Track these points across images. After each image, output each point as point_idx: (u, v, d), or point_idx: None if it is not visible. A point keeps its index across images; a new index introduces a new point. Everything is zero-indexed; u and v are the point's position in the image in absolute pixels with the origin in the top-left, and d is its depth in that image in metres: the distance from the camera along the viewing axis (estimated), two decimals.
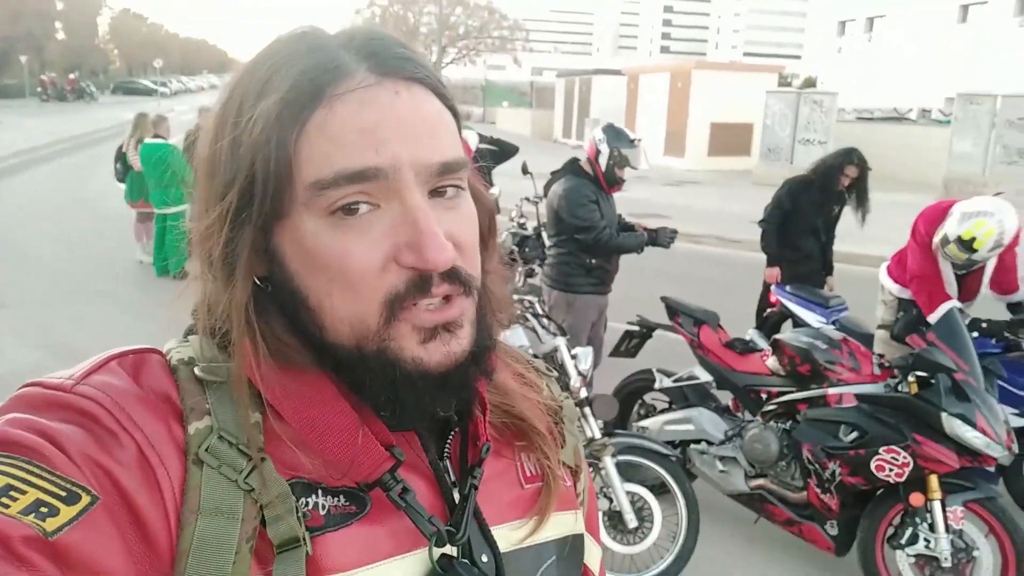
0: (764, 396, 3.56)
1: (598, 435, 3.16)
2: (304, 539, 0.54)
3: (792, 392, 3.40)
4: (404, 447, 0.61)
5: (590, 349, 3.43)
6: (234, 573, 0.52)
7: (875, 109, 27.51)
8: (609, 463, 3.12)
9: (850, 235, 5.62)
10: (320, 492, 0.58)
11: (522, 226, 6.57)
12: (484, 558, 0.63)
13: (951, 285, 3.91)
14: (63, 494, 0.48)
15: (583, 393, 3.20)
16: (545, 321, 3.40)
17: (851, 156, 4.91)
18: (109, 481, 0.50)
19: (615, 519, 3.17)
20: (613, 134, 4.23)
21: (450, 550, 0.61)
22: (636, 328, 4.22)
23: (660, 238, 4.30)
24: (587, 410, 3.19)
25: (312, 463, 0.58)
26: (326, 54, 0.56)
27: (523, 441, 0.71)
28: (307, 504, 0.57)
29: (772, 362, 3.55)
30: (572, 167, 4.34)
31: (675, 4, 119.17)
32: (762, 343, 3.85)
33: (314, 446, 0.58)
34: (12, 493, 0.47)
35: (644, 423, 3.90)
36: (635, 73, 23.12)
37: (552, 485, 0.70)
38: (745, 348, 3.72)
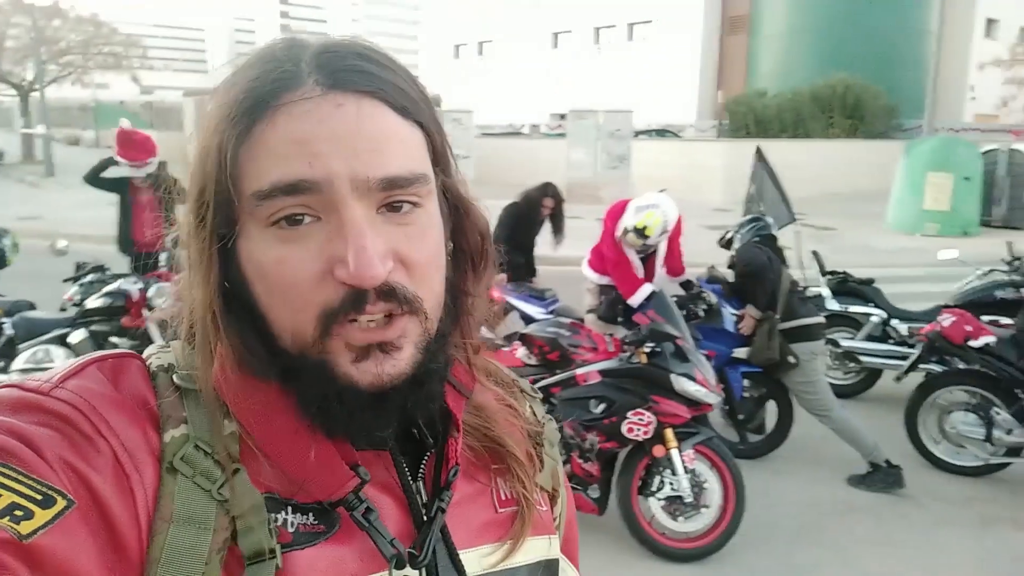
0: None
1: None
2: (276, 552, 0.55)
3: (546, 377, 3.79)
4: (375, 466, 0.61)
5: None
6: None
7: (494, 125, 30.52)
8: None
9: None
10: (290, 509, 0.58)
11: None
12: None
13: (639, 269, 4.71)
14: (38, 497, 0.48)
15: None
16: None
17: (546, 190, 5.84)
18: (84, 486, 0.50)
19: None
20: None
21: (413, 573, 0.60)
22: None
23: None
24: None
25: (282, 478, 0.58)
26: (279, 64, 0.56)
27: (500, 464, 0.70)
28: (276, 520, 0.57)
29: (522, 353, 3.91)
30: None
31: (291, 23, 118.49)
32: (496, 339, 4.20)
33: (272, 457, 0.58)
34: None
35: None
36: None
37: (526, 512, 0.69)
38: (493, 345, 4.02)
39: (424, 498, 0.63)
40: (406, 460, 0.63)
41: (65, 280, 5.29)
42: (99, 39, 28.33)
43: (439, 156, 0.61)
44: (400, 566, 0.59)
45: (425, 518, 0.62)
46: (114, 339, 4.94)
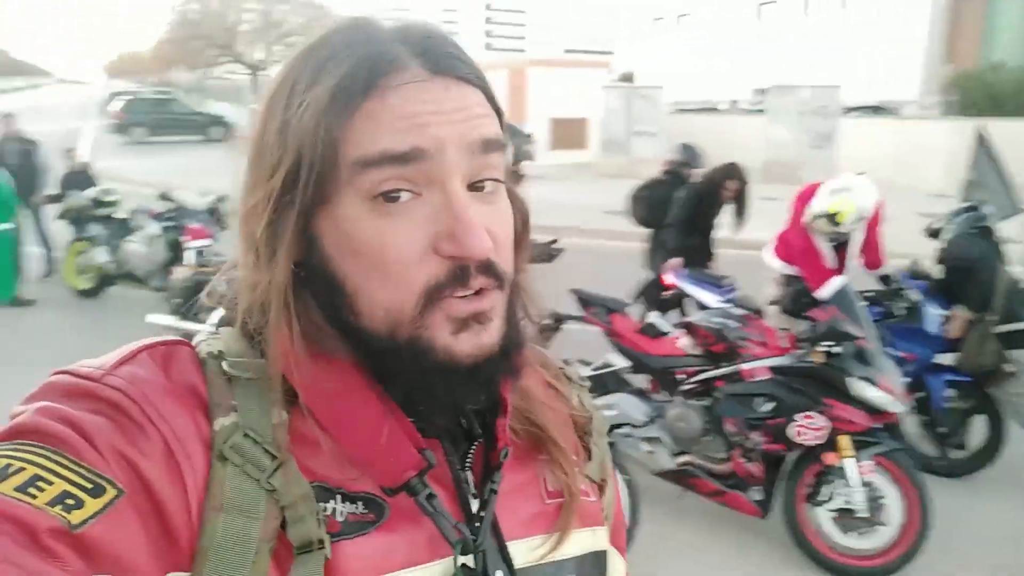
0: (681, 377, 3.74)
1: None
2: (324, 542, 0.54)
3: (709, 370, 3.60)
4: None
5: None
6: (252, 572, 0.52)
7: (689, 101, 29.50)
8: None
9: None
10: (339, 498, 0.58)
11: None
12: (499, 573, 0.62)
13: (830, 259, 4.32)
14: (89, 486, 0.48)
15: None
16: None
17: (730, 171, 5.46)
18: (134, 474, 0.51)
19: None
20: (513, 131, 4.27)
21: (469, 561, 0.60)
22: (549, 321, 4.28)
23: (541, 254, 4.40)
24: None
25: (334, 466, 0.58)
26: (382, 46, 0.57)
27: (545, 455, 0.70)
28: (325, 509, 0.57)
29: (685, 343, 3.74)
30: None
31: (493, 2, 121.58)
32: (665, 326, 4.04)
33: (340, 440, 0.58)
34: (39, 483, 0.48)
35: None
36: None
37: (571, 503, 0.69)
38: (657, 332, 3.88)
39: (472, 488, 0.63)
40: (454, 449, 0.64)
41: None
42: (317, 22, 30.70)
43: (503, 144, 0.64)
44: (465, 551, 0.59)
45: (475, 505, 0.62)
46: None
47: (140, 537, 0.50)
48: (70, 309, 7.42)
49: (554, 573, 0.66)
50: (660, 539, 3.59)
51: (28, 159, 8.36)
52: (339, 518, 0.57)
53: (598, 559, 0.72)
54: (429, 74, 0.57)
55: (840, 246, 4.42)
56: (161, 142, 24.29)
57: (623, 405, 3.80)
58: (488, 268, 0.57)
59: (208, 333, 0.64)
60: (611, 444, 3.46)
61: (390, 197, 0.55)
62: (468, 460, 0.64)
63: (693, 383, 3.66)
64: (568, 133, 20.35)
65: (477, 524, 0.61)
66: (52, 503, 0.47)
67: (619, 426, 3.81)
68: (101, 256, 7.18)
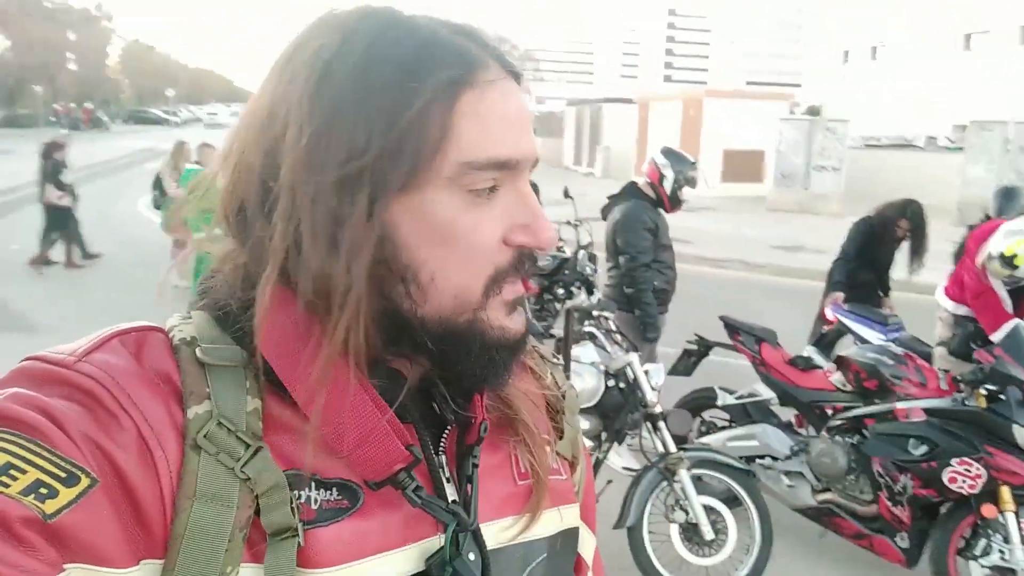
0: (829, 412, 3.65)
1: (673, 449, 3.24)
2: (298, 530, 0.55)
3: (858, 407, 3.49)
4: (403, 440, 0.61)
5: (661, 365, 3.53)
6: (226, 560, 0.52)
7: (881, 136, 27.78)
8: (685, 476, 3.20)
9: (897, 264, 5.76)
10: (313, 485, 0.58)
11: (560, 249, 6.68)
12: (471, 556, 0.62)
13: (1007, 302, 4.03)
14: (63, 475, 0.48)
15: (657, 408, 3.29)
16: (618, 337, 3.50)
17: (904, 210, 5.05)
18: (108, 463, 0.50)
19: (691, 531, 3.24)
20: (675, 158, 4.39)
21: (434, 546, 0.61)
22: (694, 347, 4.31)
23: (649, 329, 4.39)
24: (661, 424, 3.28)
25: (309, 454, 0.57)
26: (457, 45, 0.58)
27: (517, 436, 0.71)
28: (299, 496, 0.57)
29: (837, 378, 3.64)
30: (632, 191, 4.47)
31: (676, 34, 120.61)
32: (821, 360, 3.94)
33: (324, 430, 0.57)
34: (12, 472, 0.47)
35: (706, 440, 3.97)
36: (645, 101, 23.42)
37: (541, 486, 0.69)
38: (808, 365, 3.81)
39: (446, 472, 0.64)
40: (427, 434, 0.64)
41: None
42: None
43: None
44: (463, 529, 0.61)
45: (450, 490, 0.63)
46: None
47: (114, 526, 0.50)
48: None
49: (525, 553, 0.68)
50: None
51: None
52: (313, 505, 0.57)
53: (569, 536, 0.73)
54: (504, 73, 0.60)
55: (1019, 290, 4.11)
56: None
57: (765, 436, 3.75)
58: (534, 258, 0.62)
59: (180, 317, 0.63)
60: (751, 473, 3.45)
61: (489, 191, 0.58)
62: (441, 445, 0.65)
63: (841, 419, 3.55)
64: (742, 165, 19.88)
65: (451, 503, 0.62)
66: (25, 492, 0.47)
67: (761, 457, 3.76)
68: None
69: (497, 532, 0.66)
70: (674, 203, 4.41)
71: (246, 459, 0.55)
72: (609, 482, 3.45)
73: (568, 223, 6.61)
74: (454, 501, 0.63)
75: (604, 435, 3.45)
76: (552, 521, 0.70)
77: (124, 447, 0.51)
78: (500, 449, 0.70)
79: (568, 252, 6.53)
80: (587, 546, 0.78)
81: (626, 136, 22.55)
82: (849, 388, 3.56)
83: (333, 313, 0.55)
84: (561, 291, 6.30)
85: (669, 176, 4.34)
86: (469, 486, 0.63)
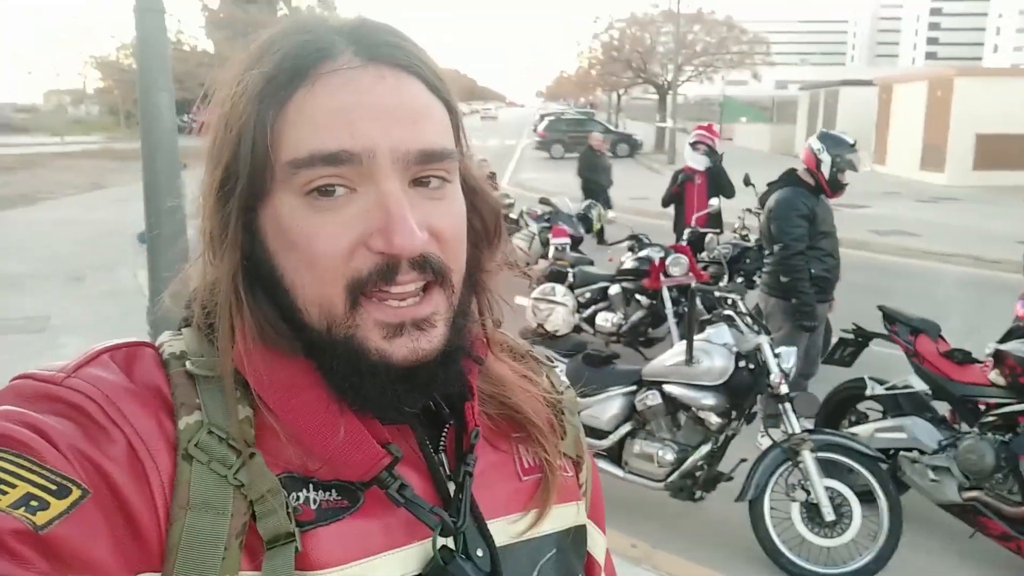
0: (983, 407, 3.47)
1: (797, 430, 3.31)
2: (294, 535, 0.54)
3: (1014, 404, 3.30)
4: (398, 440, 0.61)
5: (794, 349, 3.59)
6: (223, 568, 0.52)
7: None
8: (808, 457, 3.26)
9: None
10: (312, 486, 0.57)
11: (744, 238, 6.67)
12: (480, 552, 0.62)
13: None
14: (53, 488, 0.48)
15: (783, 390, 3.37)
16: (748, 319, 3.61)
17: None
18: (99, 475, 0.50)
19: (812, 512, 3.30)
20: (832, 142, 4.34)
21: (449, 543, 0.61)
22: (851, 336, 4.24)
23: (805, 317, 4.31)
24: (787, 406, 3.36)
25: (303, 456, 0.58)
26: (314, 35, 0.57)
27: (520, 432, 0.70)
28: (298, 499, 0.56)
29: (994, 374, 3.45)
30: (790, 178, 4.47)
31: (944, 5, 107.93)
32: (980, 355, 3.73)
33: (300, 436, 0.58)
34: (2, 486, 0.47)
35: (855, 429, 3.92)
36: (888, 83, 21.61)
37: (551, 479, 0.69)
38: (965, 358, 3.63)
39: (447, 470, 0.64)
40: (426, 433, 0.64)
41: (610, 244, 6.52)
42: (730, 40, 31.02)
43: (458, 136, 0.62)
44: (446, 533, 0.60)
45: (451, 487, 0.63)
46: (638, 296, 5.94)
47: (106, 537, 0.49)
48: None
49: (535, 549, 0.67)
50: (930, 574, 3.40)
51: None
52: (312, 506, 0.57)
53: (578, 533, 0.72)
54: (363, 61, 0.56)
55: None
56: (574, 158, 26.99)
57: (913, 429, 3.64)
58: (422, 263, 0.56)
59: (171, 334, 0.63)
60: (896, 467, 3.49)
61: (324, 191, 0.54)
62: (441, 443, 0.64)
63: (994, 416, 3.38)
64: (1000, 151, 17.69)
65: (443, 503, 0.62)
66: (15, 505, 0.46)
67: (908, 450, 3.67)
68: None
69: (505, 527, 0.65)
70: (834, 188, 4.35)
71: (238, 466, 0.55)
72: (743, 460, 3.58)
73: (750, 211, 6.59)
74: (456, 495, 0.62)
75: (733, 413, 3.58)
76: (561, 517, 0.70)
77: (115, 460, 0.51)
78: (503, 446, 0.70)
79: (751, 241, 6.52)
80: (598, 546, 0.77)
81: (863, 121, 20.98)
82: (1005, 384, 3.37)
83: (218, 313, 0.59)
84: (741, 279, 6.32)
85: (826, 160, 4.29)
86: (460, 491, 0.62)
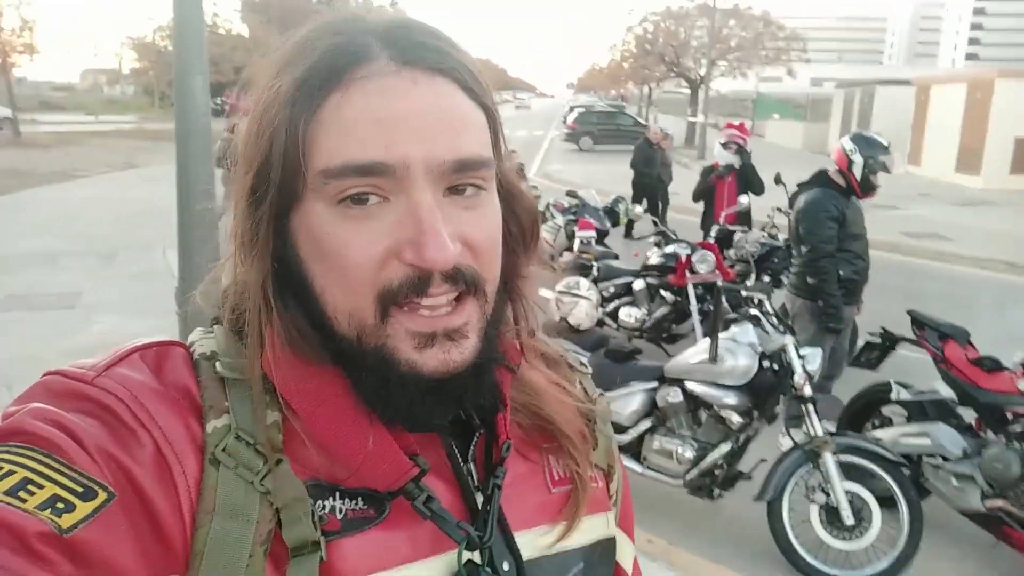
0: (1011, 416, 3.42)
1: (820, 432, 3.29)
2: (320, 544, 0.54)
3: None
4: (426, 449, 0.60)
5: (819, 351, 3.55)
6: (248, 575, 0.52)
7: None
8: (829, 459, 3.24)
9: None
10: (338, 495, 0.57)
11: (773, 237, 6.61)
12: (506, 566, 0.61)
13: None
14: (80, 490, 0.48)
15: (807, 391, 3.35)
16: (774, 319, 3.59)
17: None
18: (125, 478, 0.50)
19: (832, 515, 3.28)
20: (864, 143, 4.28)
21: (475, 557, 0.59)
22: (878, 340, 4.19)
23: (831, 319, 4.25)
24: (810, 407, 3.33)
25: (329, 464, 0.57)
26: (348, 37, 0.55)
27: (550, 443, 0.69)
28: (324, 507, 0.56)
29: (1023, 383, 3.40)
30: (820, 179, 4.42)
31: (988, 5, 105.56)
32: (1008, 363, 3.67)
33: (327, 445, 0.57)
34: (30, 487, 0.47)
35: (878, 433, 3.88)
36: (926, 83, 21.21)
37: (581, 492, 0.68)
38: (994, 366, 3.57)
39: (475, 480, 0.63)
40: (455, 442, 0.63)
41: (636, 238, 6.49)
42: (766, 35, 30.60)
43: (497, 140, 0.60)
44: (471, 548, 0.59)
45: (479, 499, 0.62)
46: (663, 292, 5.91)
47: (131, 541, 0.49)
48: None
49: (563, 563, 0.65)
50: None
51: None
52: (338, 515, 0.56)
53: (607, 547, 0.71)
54: (397, 65, 0.54)
55: None
56: (603, 151, 26.92)
57: (938, 435, 3.60)
58: (455, 276, 0.55)
59: (202, 332, 0.63)
60: (919, 472, 3.47)
61: (357, 199, 0.53)
62: (471, 452, 0.63)
63: (1022, 424, 3.33)
64: None
65: (469, 516, 0.60)
66: (42, 507, 0.46)
67: (931, 456, 3.63)
68: None
69: (532, 539, 0.64)
70: (866, 189, 4.30)
71: (264, 472, 0.55)
72: (762, 460, 3.57)
73: (779, 210, 6.53)
74: (483, 507, 0.61)
75: (755, 413, 3.56)
76: (591, 529, 0.69)
77: (142, 462, 0.51)
78: (533, 456, 0.68)
79: (780, 240, 6.46)
80: (626, 555, 0.75)
81: (900, 122, 20.63)
82: None
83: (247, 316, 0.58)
84: (768, 278, 6.28)
85: (858, 161, 4.24)
86: (489, 504, 0.61)
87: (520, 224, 0.65)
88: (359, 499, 0.57)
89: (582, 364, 0.79)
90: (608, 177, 18.08)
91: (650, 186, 10.46)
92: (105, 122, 35.62)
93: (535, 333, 0.71)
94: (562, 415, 0.69)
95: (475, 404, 0.61)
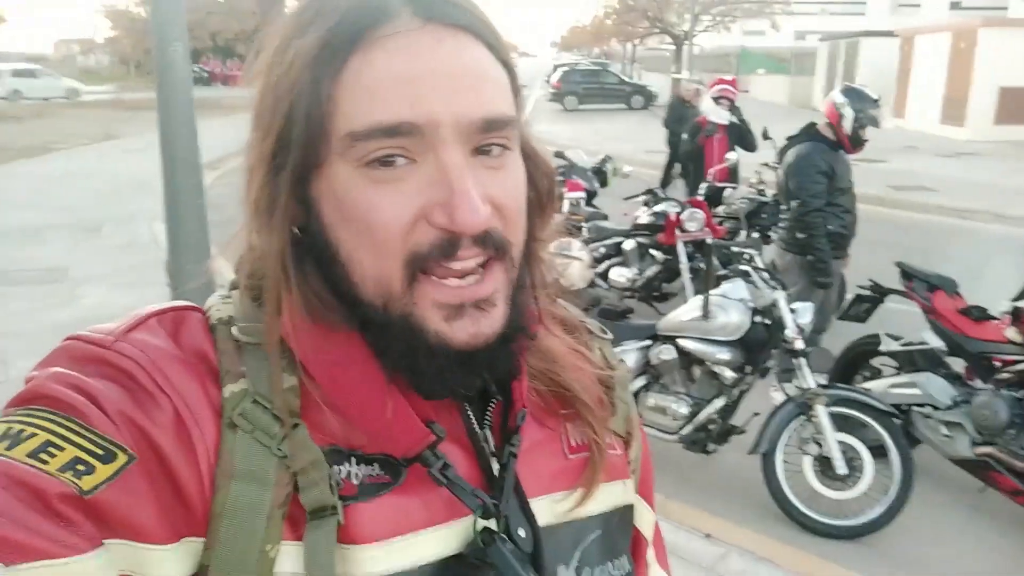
0: (999, 364, 3.47)
1: (812, 384, 3.33)
2: (337, 508, 0.54)
3: None
4: (442, 415, 0.60)
5: (810, 305, 3.59)
6: (266, 538, 0.52)
7: None
8: (821, 411, 3.29)
9: None
10: (354, 460, 0.57)
11: (761, 192, 6.61)
12: (522, 532, 0.60)
13: None
14: (100, 452, 0.49)
15: (798, 345, 3.38)
16: (765, 275, 3.60)
17: None
18: (145, 441, 0.51)
19: (824, 465, 3.34)
20: (855, 96, 4.28)
21: (492, 524, 0.59)
22: (867, 293, 4.22)
23: (820, 273, 4.30)
24: (802, 361, 3.37)
25: (346, 429, 0.57)
26: (350, 2, 0.54)
27: (568, 410, 0.68)
28: (340, 472, 0.56)
29: (1011, 331, 3.44)
30: (809, 132, 4.41)
31: None
32: (993, 311, 3.71)
33: (345, 411, 0.57)
34: (51, 449, 0.48)
35: (869, 385, 3.94)
36: (910, 34, 21.08)
37: (598, 459, 0.67)
38: (982, 315, 3.62)
39: (492, 447, 0.62)
40: (472, 408, 0.63)
41: (625, 198, 6.47)
42: None
43: (516, 99, 0.59)
44: (486, 516, 0.58)
45: (495, 465, 0.61)
46: (652, 251, 5.92)
47: (152, 503, 0.50)
48: None
49: (579, 530, 0.65)
50: (944, 527, 3.45)
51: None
52: (355, 480, 0.56)
53: (624, 514, 0.71)
54: (421, 22, 0.53)
55: None
56: (589, 110, 26.70)
57: (927, 384, 3.66)
58: (485, 239, 0.54)
59: (220, 297, 0.63)
60: (909, 422, 3.53)
61: (384, 161, 0.52)
62: (487, 419, 0.63)
63: (1010, 372, 3.38)
64: (1023, 105, 17.34)
65: (499, 486, 0.60)
66: (63, 469, 0.47)
67: (921, 405, 3.69)
68: None
69: (549, 505, 0.64)
70: (855, 144, 4.30)
71: (282, 436, 0.55)
72: (756, 414, 3.62)
73: (767, 165, 6.51)
74: (500, 475, 0.61)
75: (748, 368, 3.59)
76: (606, 498, 0.68)
77: (161, 426, 0.52)
78: (550, 423, 0.68)
79: (768, 196, 6.46)
80: (645, 521, 0.75)
81: (884, 74, 20.54)
82: (1021, 340, 3.37)
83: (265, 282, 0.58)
84: (757, 234, 6.29)
85: (848, 115, 4.23)
86: (504, 472, 0.61)
87: (538, 187, 0.63)
88: (375, 465, 0.57)
89: (602, 330, 0.77)
90: (595, 136, 17.97)
91: (681, 145, 10.11)
92: (81, 92, 34.90)
93: (555, 299, 0.70)
94: (580, 382, 0.68)
95: (505, 367, 0.61)
